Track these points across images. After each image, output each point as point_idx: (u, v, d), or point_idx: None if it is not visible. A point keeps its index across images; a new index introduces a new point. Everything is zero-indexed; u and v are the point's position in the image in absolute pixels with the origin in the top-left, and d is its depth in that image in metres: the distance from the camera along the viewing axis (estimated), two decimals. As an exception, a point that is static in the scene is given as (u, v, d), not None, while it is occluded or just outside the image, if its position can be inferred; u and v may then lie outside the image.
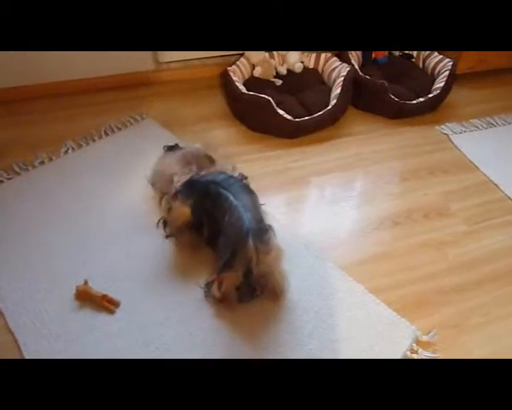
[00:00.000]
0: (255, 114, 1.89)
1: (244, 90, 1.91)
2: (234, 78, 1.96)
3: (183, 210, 1.36)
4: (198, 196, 1.35)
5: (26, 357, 1.13)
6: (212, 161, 1.51)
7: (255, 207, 1.32)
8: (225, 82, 2.01)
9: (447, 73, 2.10)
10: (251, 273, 1.20)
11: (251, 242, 1.18)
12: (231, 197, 1.28)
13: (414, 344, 1.25)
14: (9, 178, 1.59)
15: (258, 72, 2.12)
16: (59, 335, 1.19)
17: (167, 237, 1.43)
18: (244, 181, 1.47)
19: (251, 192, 1.38)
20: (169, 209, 1.41)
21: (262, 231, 1.23)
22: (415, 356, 1.23)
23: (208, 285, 1.28)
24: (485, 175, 1.85)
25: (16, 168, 1.62)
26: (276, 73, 2.17)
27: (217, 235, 1.30)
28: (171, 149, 1.59)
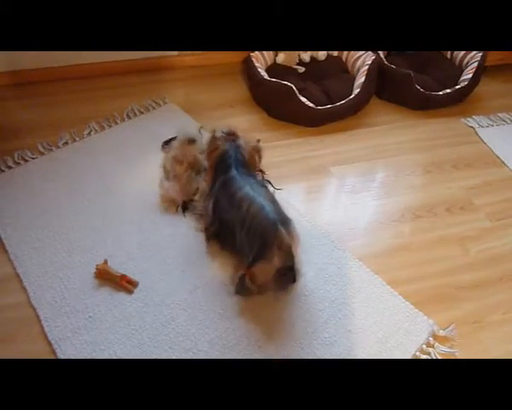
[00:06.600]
0: (277, 101, 1.88)
1: (266, 76, 1.90)
2: (256, 64, 1.95)
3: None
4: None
5: (47, 331, 1.17)
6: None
7: (273, 199, 1.28)
8: (247, 68, 2.00)
9: (476, 64, 2.04)
10: (293, 259, 1.18)
11: (283, 230, 1.15)
12: (248, 187, 1.26)
13: (431, 338, 1.24)
14: (34, 158, 1.62)
15: (280, 58, 2.10)
16: (78, 311, 1.21)
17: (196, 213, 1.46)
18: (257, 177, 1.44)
19: (265, 186, 1.36)
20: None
21: (286, 220, 1.20)
22: (431, 350, 1.22)
23: (240, 281, 1.25)
24: (511, 171, 1.80)
25: (40, 148, 1.65)
26: (299, 60, 2.15)
27: (229, 228, 1.26)
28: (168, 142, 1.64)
